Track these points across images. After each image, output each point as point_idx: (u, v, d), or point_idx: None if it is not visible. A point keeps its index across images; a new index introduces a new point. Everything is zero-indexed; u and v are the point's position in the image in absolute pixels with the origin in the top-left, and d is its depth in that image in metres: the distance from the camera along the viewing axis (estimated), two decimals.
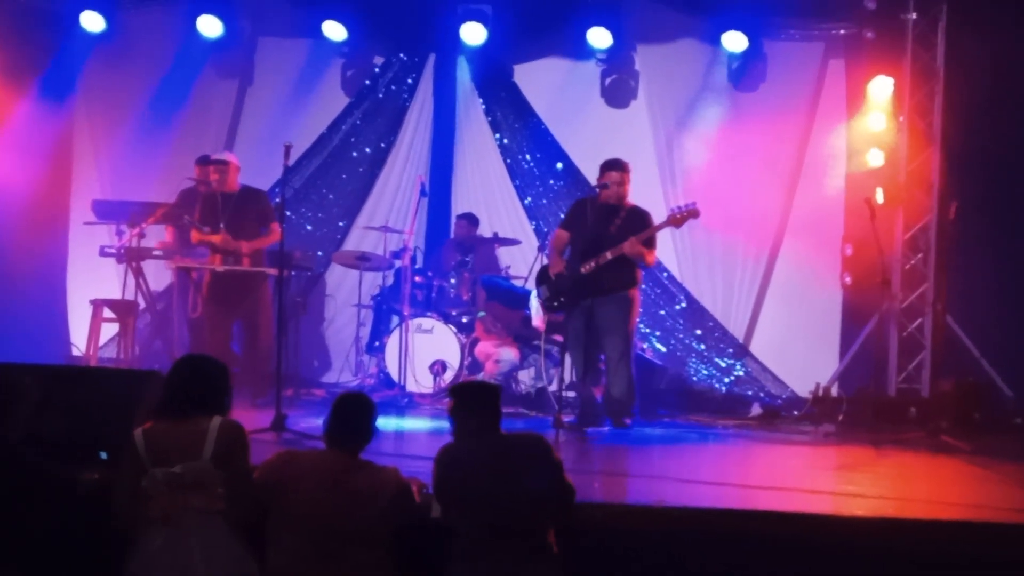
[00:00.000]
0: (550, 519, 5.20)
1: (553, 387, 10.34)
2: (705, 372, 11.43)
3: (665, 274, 11.50)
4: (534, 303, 10.74)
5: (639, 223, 9.01)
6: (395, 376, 10.70)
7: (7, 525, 4.95)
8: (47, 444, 5.33)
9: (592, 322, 9.01)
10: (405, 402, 10.39)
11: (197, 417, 4.92)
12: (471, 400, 5.41)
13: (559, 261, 9.21)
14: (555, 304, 9.22)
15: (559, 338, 9.81)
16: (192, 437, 4.86)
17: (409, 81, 12.23)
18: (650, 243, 9.04)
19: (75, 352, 11.53)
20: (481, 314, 11.12)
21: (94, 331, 10.85)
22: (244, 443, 5.02)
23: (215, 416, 4.95)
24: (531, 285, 10.99)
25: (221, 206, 9.91)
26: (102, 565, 5.21)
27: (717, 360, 11.45)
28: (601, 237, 8.95)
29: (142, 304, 10.85)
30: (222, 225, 9.85)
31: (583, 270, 8.96)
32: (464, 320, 11.14)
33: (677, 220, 8.97)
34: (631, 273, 9.09)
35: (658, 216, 9.24)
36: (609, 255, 8.88)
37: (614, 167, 9.12)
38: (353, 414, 5.21)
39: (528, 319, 10.80)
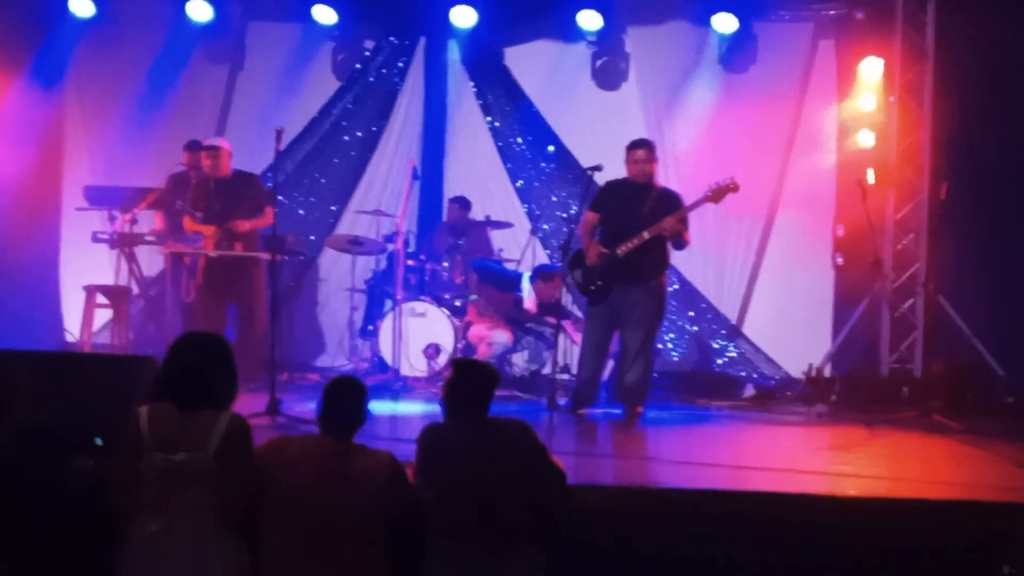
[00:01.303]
0: (538, 502, 5.23)
1: (547, 370, 10.37)
2: (698, 354, 11.45)
3: None
4: (526, 285, 10.79)
5: (672, 202, 8.93)
6: (389, 360, 10.69)
7: (3, 518, 4.94)
8: (41, 432, 5.32)
9: (620, 309, 8.95)
10: (399, 386, 10.37)
11: (207, 410, 4.88)
12: (470, 378, 5.42)
13: (593, 245, 9.04)
14: (592, 288, 9.09)
15: (552, 320, 9.81)
16: (198, 428, 4.79)
17: (400, 65, 12.21)
18: (684, 222, 8.96)
19: (69, 338, 11.52)
20: (473, 297, 11.13)
21: (87, 317, 10.85)
22: (249, 440, 4.96)
23: (224, 411, 4.92)
24: (524, 268, 11.04)
25: (214, 192, 9.89)
26: (95, 553, 5.21)
27: (710, 341, 11.48)
28: (635, 218, 8.85)
29: (135, 290, 10.86)
30: (216, 211, 9.82)
31: (620, 252, 8.84)
32: (457, 303, 11.15)
33: (717, 194, 8.88)
34: (663, 256, 9.04)
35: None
36: (647, 235, 8.76)
37: (639, 145, 9.05)
38: (345, 398, 5.20)
39: (520, 301, 10.85)
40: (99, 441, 5.89)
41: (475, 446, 5.18)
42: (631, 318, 8.93)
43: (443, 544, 5.07)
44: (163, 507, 4.73)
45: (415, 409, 9.18)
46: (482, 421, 5.35)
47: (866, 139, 11.05)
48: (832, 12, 11.54)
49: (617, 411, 9.14)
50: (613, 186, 9.10)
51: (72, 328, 11.42)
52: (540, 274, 10.71)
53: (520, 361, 11.10)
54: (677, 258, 11.44)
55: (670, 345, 11.49)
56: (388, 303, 11.18)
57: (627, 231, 8.85)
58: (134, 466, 4.76)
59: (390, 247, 11.23)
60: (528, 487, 5.20)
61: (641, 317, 8.92)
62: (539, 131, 11.91)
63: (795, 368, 11.05)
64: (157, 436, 4.78)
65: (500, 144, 12.03)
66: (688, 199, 9.00)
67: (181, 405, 4.86)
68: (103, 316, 11.05)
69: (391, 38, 12.17)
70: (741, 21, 11.25)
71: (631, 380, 8.94)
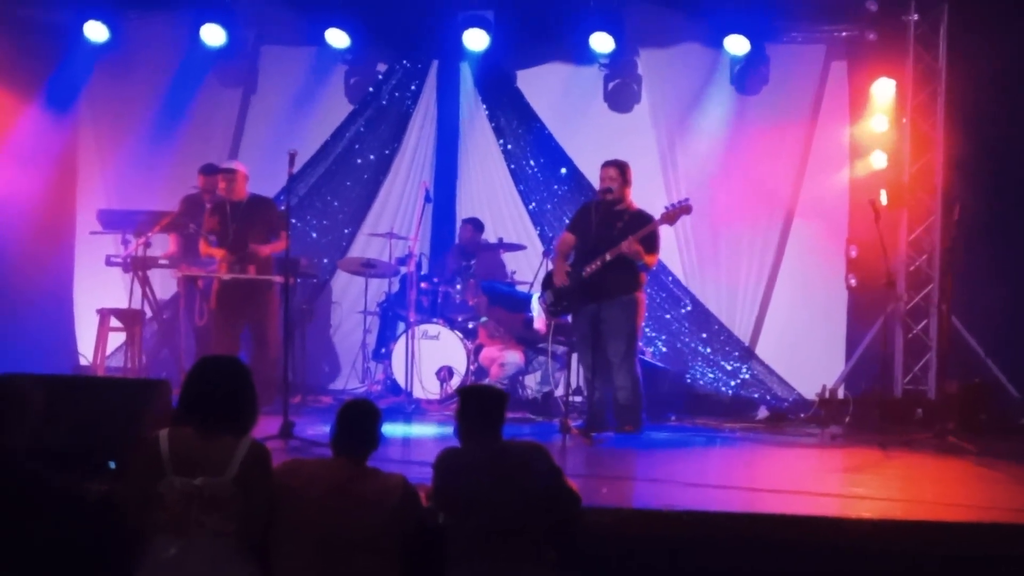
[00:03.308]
0: (552, 525, 5.22)
1: (559, 391, 10.34)
2: (711, 375, 11.43)
3: (670, 278, 11.51)
4: (535, 306, 10.77)
5: (640, 225, 8.99)
6: (402, 382, 10.69)
7: (14, 537, 4.93)
8: (54, 455, 5.32)
9: (598, 326, 8.99)
10: (412, 408, 10.38)
11: (227, 436, 4.89)
12: (476, 403, 5.45)
13: (563, 265, 9.19)
14: (558, 308, 9.23)
15: (563, 340, 9.83)
16: (219, 454, 4.79)
17: (412, 88, 12.25)
18: (650, 245, 8.98)
19: (82, 361, 11.54)
20: (483, 320, 11.13)
21: (101, 340, 10.86)
22: (268, 467, 4.95)
23: (244, 437, 4.92)
24: (535, 289, 11.03)
25: (230, 215, 9.92)
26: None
27: (723, 363, 11.45)
28: (604, 240, 8.92)
29: (148, 313, 10.87)
30: (231, 234, 9.85)
31: (585, 273, 8.95)
32: (470, 326, 11.15)
33: (670, 217, 8.98)
34: (634, 276, 9.06)
35: None
36: (608, 256, 8.85)
37: (609, 165, 9.15)
38: (359, 421, 5.20)
39: (530, 321, 10.81)
40: (112, 464, 5.90)
41: (490, 469, 5.19)
42: (609, 331, 8.99)
43: (459, 567, 5.07)
44: (182, 531, 4.72)
45: (428, 432, 9.18)
46: (496, 444, 5.35)
47: (879, 160, 11.05)
48: (844, 34, 11.53)
49: None
50: (589, 207, 9.18)
51: (85, 351, 11.44)
52: None
53: (532, 383, 11.10)
54: (690, 279, 11.55)
55: (683, 367, 11.46)
56: (401, 326, 11.18)
57: (595, 252, 8.94)
58: (152, 489, 4.76)
59: (403, 269, 11.24)
60: (543, 510, 5.20)
61: (618, 329, 8.99)
62: (551, 153, 11.94)
63: (808, 390, 11.02)
64: (176, 460, 4.77)
65: (512, 166, 12.05)
66: (692, 221, 9.05)
67: (202, 429, 4.86)
68: (116, 339, 11.06)
69: (404, 61, 12.22)
70: (753, 43, 11.25)
71: (623, 396, 9.04)
